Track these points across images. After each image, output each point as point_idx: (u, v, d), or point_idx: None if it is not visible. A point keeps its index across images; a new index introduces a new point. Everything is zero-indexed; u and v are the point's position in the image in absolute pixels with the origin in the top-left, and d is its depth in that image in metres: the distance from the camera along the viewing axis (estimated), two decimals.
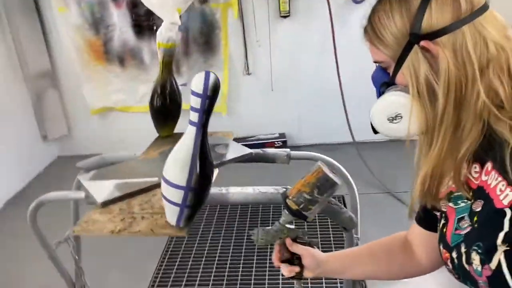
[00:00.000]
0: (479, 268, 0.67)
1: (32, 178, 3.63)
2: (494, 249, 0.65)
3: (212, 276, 2.37)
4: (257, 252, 2.49)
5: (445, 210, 0.80)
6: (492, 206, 0.67)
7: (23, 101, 3.63)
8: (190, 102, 0.93)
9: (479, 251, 0.68)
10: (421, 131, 0.74)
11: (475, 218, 0.71)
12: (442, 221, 0.80)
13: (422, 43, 0.70)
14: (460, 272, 0.73)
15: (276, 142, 3.73)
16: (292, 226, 0.94)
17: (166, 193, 0.97)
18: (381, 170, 3.16)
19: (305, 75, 3.62)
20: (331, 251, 1.01)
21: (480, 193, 0.71)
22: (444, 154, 0.72)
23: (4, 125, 3.35)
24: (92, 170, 1.36)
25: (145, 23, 3.45)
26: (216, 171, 1.30)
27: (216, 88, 0.91)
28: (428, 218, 0.89)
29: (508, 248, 0.64)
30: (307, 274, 0.98)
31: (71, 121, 3.98)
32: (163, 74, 1.51)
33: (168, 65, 1.50)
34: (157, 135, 1.62)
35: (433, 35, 0.69)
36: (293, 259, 0.96)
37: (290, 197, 0.88)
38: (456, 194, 0.77)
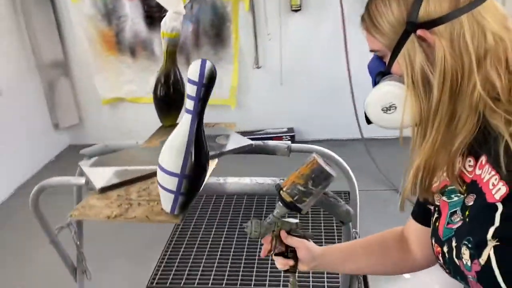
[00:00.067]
0: (469, 263, 0.66)
1: (43, 166, 3.70)
2: (484, 244, 0.64)
3: (215, 266, 2.39)
4: (261, 243, 2.49)
5: (438, 204, 0.79)
6: (484, 200, 0.66)
7: (36, 90, 3.69)
8: (187, 90, 0.93)
9: (469, 245, 0.67)
10: (415, 122, 0.73)
11: (467, 213, 0.70)
12: (435, 215, 0.79)
13: (419, 32, 0.69)
14: (451, 267, 0.73)
15: (284, 137, 3.72)
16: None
17: (161, 180, 0.98)
18: (389, 167, 3.13)
19: (315, 70, 3.60)
20: (322, 244, 1.00)
21: (473, 187, 0.70)
22: (438, 146, 0.71)
23: (17, 113, 3.41)
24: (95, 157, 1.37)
25: (156, 15, 3.47)
26: (215, 161, 1.30)
27: (212, 76, 0.91)
28: (424, 213, 0.87)
29: (498, 243, 0.63)
30: (301, 267, 0.97)
31: (82, 111, 4.03)
32: (167, 64, 1.52)
33: (172, 54, 1.51)
34: None
35: (430, 24, 0.68)
36: (287, 252, 0.95)
37: (284, 189, 0.87)
38: (450, 188, 0.76)
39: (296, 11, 3.41)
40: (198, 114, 0.95)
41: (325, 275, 2.23)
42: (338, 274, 2.19)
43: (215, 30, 3.55)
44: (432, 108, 0.70)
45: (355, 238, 1.29)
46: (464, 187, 0.73)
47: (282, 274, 2.24)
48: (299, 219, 0.97)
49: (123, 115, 3.95)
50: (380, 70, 0.78)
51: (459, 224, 0.71)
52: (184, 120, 0.95)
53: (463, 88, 0.68)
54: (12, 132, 3.36)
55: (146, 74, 3.72)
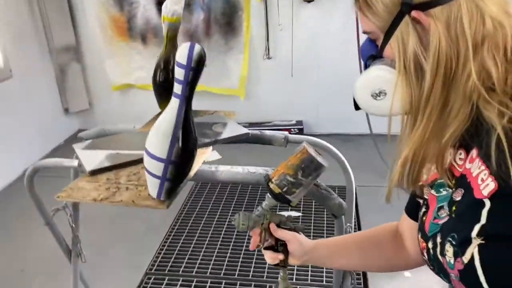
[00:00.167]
0: (452, 261, 0.63)
1: (52, 149, 3.74)
2: (468, 242, 0.61)
3: (214, 255, 2.39)
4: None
5: (427, 197, 0.76)
6: (472, 196, 0.62)
7: (47, 74, 3.73)
8: (175, 74, 0.91)
9: (453, 242, 0.63)
10: (405, 110, 0.69)
11: (454, 208, 0.67)
12: (423, 209, 0.76)
13: (414, 13, 0.64)
14: (435, 263, 0.70)
15: (292, 129, 3.68)
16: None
17: (147, 165, 0.96)
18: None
19: (326, 63, 3.55)
20: (312, 238, 0.97)
21: (462, 181, 0.66)
22: (428, 136, 0.67)
23: (27, 96, 3.45)
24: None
25: None
26: (210, 149, 1.28)
27: (200, 60, 0.89)
28: (416, 208, 0.84)
29: (483, 242, 0.59)
30: (292, 261, 0.94)
31: (92, 96, 4.05)
32: (167, 49, 1.50)
33: (173, 39, 1.48)
34: None
35: (426, 5, 0.63)
36: (277, 245, 0.92)
37: (273, 180, 0.85)
38: (439, 181, 0.73)
39: (309, 1, 3.36)
40: (186, 98, 0.92)
41: (324, 269, 2.21)
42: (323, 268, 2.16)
43: (226, 19, 3.52)
44: (424, 96, 0.66)
45: (349, 232, 1.26)
46: (453, 181, 0.69)
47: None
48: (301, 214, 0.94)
49: (132, 101, 3.97)
50: (372, 54, 0.75)
51: (445, 219, 0.68)
52: (172, 104, 0.93)
53: (457, 75, 0.64)
54: (22, 115, 3.40)
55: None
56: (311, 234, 2.47)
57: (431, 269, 0.73)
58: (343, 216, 1.17)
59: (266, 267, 2.26)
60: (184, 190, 3.01)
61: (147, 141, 0.95)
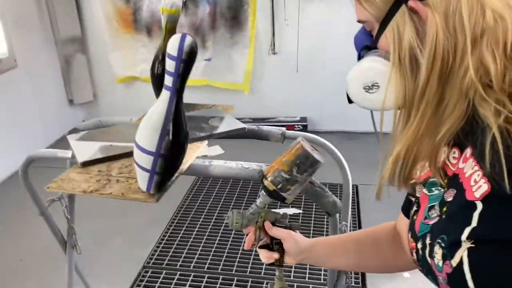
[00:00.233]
0: (440, 264, 0.61)
1: (56, 140, 3.74)
2: (457, 245, 0.58)
3: (213, 250, 2.38)
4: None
5: (419, 196, 0.73)
6: (464, 197, 0.60)
7: (52, 65, 3.73)
8: (166, 66, 0.89)
9: (443, 244, 0.61)
10: (398, 104, 0.66)
11: (445, 209, 0.64)
12: (414, 208, 0.74)
13: (411, 2, 0.61)
14: (424, 265, 0.67)
15: (296, 126, 3.66)
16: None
17: (137, 158, 0.95)
18: None
19: (332, 59, 3.50)
20: (311, 237, 0.94)
21: (454, 181, 0.64)
22: (422, 132, 0.64)
23: (32, 86, 3.45)
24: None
25: None
26: (205, 143, 1.26)
27: (192, 52, 0.87)
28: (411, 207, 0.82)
29: (473, 245, 0.57)
30: (288, 260, 0.91)
31: (97, 88, 4.05)
32: (166, 41, 1.47)
33: (171, 31, 1.45)
34: None
35: None
36: (272, 244, 0.89)
37: (267, 177, 0.82)
38: (432, 180, 0.70)
39: None
40: (177, 91, 0.90)
41: (322, 269, 2.19)
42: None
43: (232, 13, 3.49)
44: (418, 90, 0.63)
45: (344, 231, 1.23)
46: (446, 181, 0.66)
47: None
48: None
49: (137, 94, 3.96)
50: (366, 44, 0.72)
51: (436, 220, 0.66)
52: (163, 97, 0.92)
53: (454, 70, 0.61)
54: (27, 105, 3.41)
55: None
56: (311, 233, 2.45)
57: (420, 270, 0.71)
58: (338, 215, 1.15)
59: (264, 264, 2.25)
60: (185, 185, 3.03)
61: (137, 134, 0.94)
